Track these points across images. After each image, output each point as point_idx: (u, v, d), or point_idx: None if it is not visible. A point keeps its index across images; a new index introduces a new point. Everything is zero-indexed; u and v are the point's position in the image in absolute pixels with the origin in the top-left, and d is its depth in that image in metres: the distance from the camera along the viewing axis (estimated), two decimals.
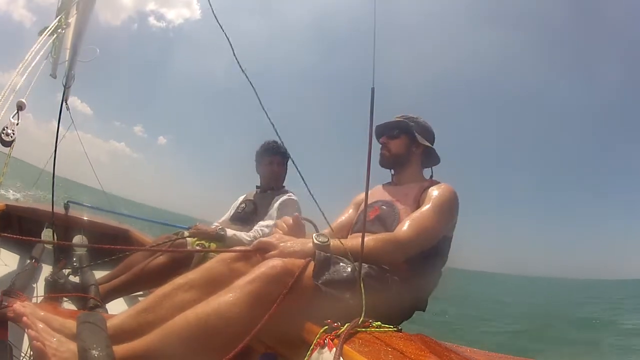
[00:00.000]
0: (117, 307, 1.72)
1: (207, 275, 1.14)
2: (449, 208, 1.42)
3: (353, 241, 1.22)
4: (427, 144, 1.61)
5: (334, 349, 0.79)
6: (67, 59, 2.37)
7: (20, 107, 2.08)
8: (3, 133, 2.00)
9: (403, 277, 1.27)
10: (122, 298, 2.01)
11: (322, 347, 0.84)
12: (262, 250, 1.18)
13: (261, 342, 1.11)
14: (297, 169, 1.16)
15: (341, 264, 1.13)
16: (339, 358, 0.77)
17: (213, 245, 2.06)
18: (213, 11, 1.09)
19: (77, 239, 2.88)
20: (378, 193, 1.61)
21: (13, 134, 2.04)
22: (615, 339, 7.80)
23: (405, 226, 1.32)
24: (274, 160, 2.48)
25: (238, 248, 1.27)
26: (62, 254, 2.22)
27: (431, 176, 1.64)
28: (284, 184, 2.53)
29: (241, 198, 2.62)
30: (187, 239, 2.11)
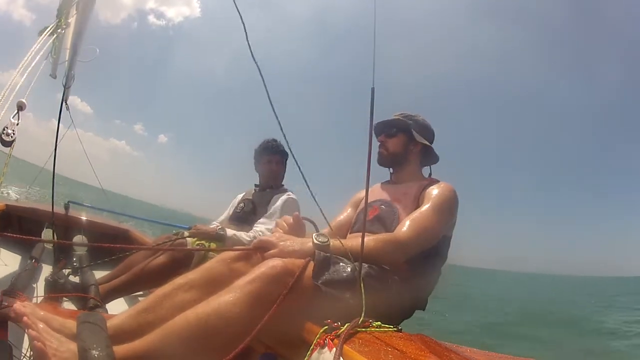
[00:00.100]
0: (117, 307, 1.72)
1: (207, 275, 1.14)
2: (449, 207, 1.42)
3: (353, 241, 1.21)
4: (425, 142, 1.60)
5: (334, 349, 0.79)
6: (67, 59, 2.37)
7: (20, 107, 2.09)
8: (3, 133, 2.00)
9: (403, 277, 1.27)
10: (122, 298, 2.01)
11: (322, 347, 0.84)
12: (261, 249, 1.18)
13: (261, 342, 1.11)
14: (299, 168, 1.16)
15: (341, 264, 1.13)
16: (339, 358, 0.77)
17: (213, 246, 2.06)
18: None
19: (77, 239, 2.88)
20: (377, 192, 1.60)
21: (13, 134, 2.04)
22: (580, 339, 7.66)
23: (405, 226, 1.31)
24: (273, 159, 2.47)
25: (238, 247, 1.28)
26: (62, 254, 2.22)
27: (430, 174, 1.64)
28: (282, 183, 2.53)
29: (240, 197, 2.61)
30: (187, 239, 2.11)
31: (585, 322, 9.87)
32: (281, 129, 1.15)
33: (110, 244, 2.84)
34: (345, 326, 0.89)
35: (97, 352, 0.87)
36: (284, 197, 2.37)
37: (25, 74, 1.85)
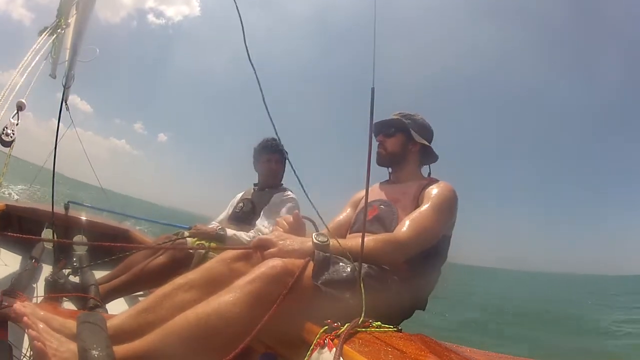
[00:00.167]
0: (117, 307, 1.72)
1: (207, 275, 1.14)
2: (449, 207, 1.42)
3: (352, 241, 1.21)
4: (424, 142, 1.60)
5: (334, 349, 0.79)
6: (67, 59, 2.37)
7: (20, 107, 2.09)
8: (3, 133, 2.00)
9: (403, 277, 1.27)
10: (122, 298, 2.01)
11: (322, 347, 0.84)
12: (261, 248, 1.18)
13: (261, 342, 1.11)
14: (294, 170, 1.16)
15: (340, 264, 1.13)
16: (339, 358, 0.77)
17: (213, 245, 2.06)
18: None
19: (77, 239, 2.88)
20: (376, 192, 1.60)
21: (13, 134, 2.04)
22: (571, 338, 7.59)
23: (404, 227, 1.31)
24: (272, 158, 2.46)
25: (237, 245, 1.28)
26: (62, 254, 2.22)
27: (429, 173, 1.64)
28: (282, 182, 2.53)
29: (239, 196, 2.61)
30: (187, 239, 2.11)
31: (579, 321, 9.86)
32: (275, 131, 1.15)
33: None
34: (345, 326, 0.89)
35: (97, 352, 0.87)
36: (282, 196, 2.37)
37: (25, 74, 1.85)
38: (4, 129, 2.02)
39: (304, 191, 1.13)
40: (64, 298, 1.81)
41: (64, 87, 2.28)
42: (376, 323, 0.97)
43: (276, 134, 1.18)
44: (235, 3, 1.07)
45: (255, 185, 2.57)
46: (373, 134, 1.64)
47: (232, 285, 1.00)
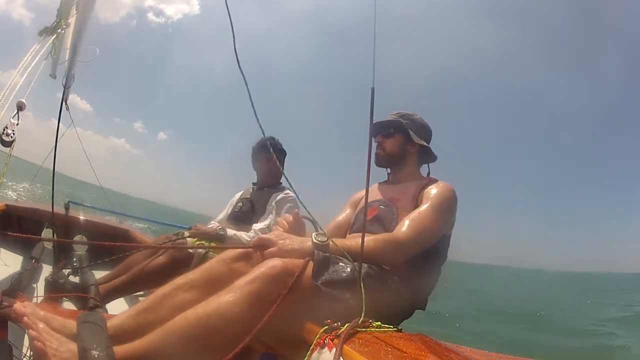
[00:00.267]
0: (117, 307, 1.72)
1: (207, 275, 1.14)
2: (448, 207, 1.42)
3: (352, 241, 1.22)
4: (422, 142, 1.60)
5: (334, 349, 0.79)
6: (67, 59, 2.37)
7: (20, 107, 2.09)
8: (3, 133, 2.00)
9: (403, 277, 1.27)
10: (122, 298, 2.01)
11: (322, 347, 0.84)
12: (260, 247, 1.18)
13: (261, 342, 1.11)
14: (282, 170, 1.17)
15: (340, 264, 1.13)
16: (339, 358, 0.77)
17: (213, 245, 2.06)
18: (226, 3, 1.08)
19: (77, 239, 2.89)
20: (375, 192, 1.60)
21: (13, 134, 2.04)
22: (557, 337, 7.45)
23: (404, 227, 1.31)
24: (270, 157, 2.45)
25: (237, 245, 1.27)
26: (62, 254, 2.22)
27: (428, 173, 1.64)
28: (281, 181, 2.52)
29: (238, 195, 2.60)
30: (187, 238, 2.11)
31: (571, 319, 9.84)
32: (263, 133, 1.17)
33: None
34: (345, 326, 0.89)
35: (97, 352, 0.87)
36: (281, 195, 2.36)
37: (25, 74, 1.85)
38: (4, 129, 2.02)
39: (294, 190, 1.13)
40: (64, 298, 1.81)
41: (64, 87, 2.28)
42: (376, 323, 0.97)
43: (263, 134, 1.20)
44: (228, 10, 1.08)
45: (254, 184, 2.57)
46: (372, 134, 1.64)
47: (232, 285, 1.00)
